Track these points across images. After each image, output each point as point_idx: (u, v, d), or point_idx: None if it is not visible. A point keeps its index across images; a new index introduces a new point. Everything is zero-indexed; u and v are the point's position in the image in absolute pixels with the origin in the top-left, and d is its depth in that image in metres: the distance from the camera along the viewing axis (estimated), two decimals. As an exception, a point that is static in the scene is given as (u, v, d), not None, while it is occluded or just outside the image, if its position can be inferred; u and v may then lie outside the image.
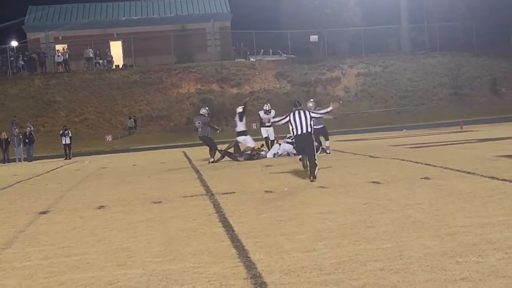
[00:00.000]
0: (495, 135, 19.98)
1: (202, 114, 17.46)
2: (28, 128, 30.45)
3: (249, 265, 4.94)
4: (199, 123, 17.32)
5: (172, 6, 50.55)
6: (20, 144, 29.87)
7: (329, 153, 16.79)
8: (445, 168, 10.98)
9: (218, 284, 4.51)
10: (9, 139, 29.88)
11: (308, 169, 11.03)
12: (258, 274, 4.65)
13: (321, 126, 16.42)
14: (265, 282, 4.43)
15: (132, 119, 39.17)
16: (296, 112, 11.23)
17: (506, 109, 36.99)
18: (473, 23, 46.50)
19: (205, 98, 41.12)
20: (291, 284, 4.37)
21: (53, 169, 20.21)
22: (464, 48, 46.62)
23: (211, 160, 16.95)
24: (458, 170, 10.46)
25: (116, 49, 47.81)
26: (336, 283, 4.31)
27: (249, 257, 5.20)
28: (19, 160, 29.58)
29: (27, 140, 29.70)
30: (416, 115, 39.25)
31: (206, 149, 17.78)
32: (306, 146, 11.12)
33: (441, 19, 47.88)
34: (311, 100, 19.28)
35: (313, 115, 11.59)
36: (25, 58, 45.48)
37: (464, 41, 46.69)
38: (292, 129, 11.28)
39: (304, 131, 11.06)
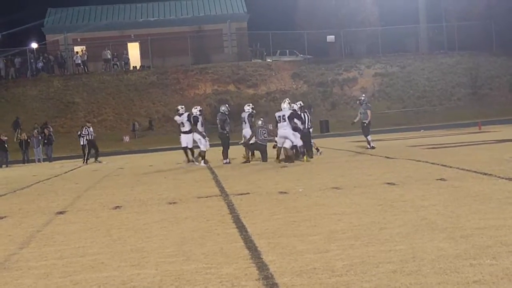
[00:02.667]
0: (514, 135, 19.75)
1: (221, 112, 17.50)
2: (47, 129, 30.86)
3: (261, 266, 4.94)
4: (218, 119, 17.49)
5: (189, 7, 50.76)
6: (39, 145, 30.21)
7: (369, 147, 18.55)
8: (462, 169, 10.89)
9: (230, 285, 4.52)
10: (28, 140, 30.24)
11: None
12: (270, 275, 4.66)
13: (368, 120, 18.67)
14: (276, 284, 4.44)
15: (136, 123, 39.26)
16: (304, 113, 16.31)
17: (526, 110, 36.55)
18: (492, 22, 45.93)
19: (221, 99, 41.19)
20: (303, 285, 4.37)
21: (71, 170, 20.39)
22: (483, 48, 46.05)
23: (225, 161, 16.88)
24: (474, 172, 10.37)
25: (133, 51, 48.14)
26: (347, 285, 4.30)
27: (262, 258, 5.20)
28: (38, 161, 29.90)
29: (46, 141, 30.06)
30: (434, 116, 38.95)
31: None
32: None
33: (459, 18, 47.38)
34: (363, 95, 21.76)
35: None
36: (44, 60, 46.00)
37: (483, 40, 46.14)
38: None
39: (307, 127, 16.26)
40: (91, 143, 24.41)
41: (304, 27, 47.13)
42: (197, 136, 16.99)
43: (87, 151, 24.52)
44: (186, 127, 17.30)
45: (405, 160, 13.74)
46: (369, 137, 18.81)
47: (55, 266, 5.53)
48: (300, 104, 16.86)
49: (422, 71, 45.03)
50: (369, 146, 18.57)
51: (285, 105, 15.88)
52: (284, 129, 15.57)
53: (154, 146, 34.84)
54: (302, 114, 16.30)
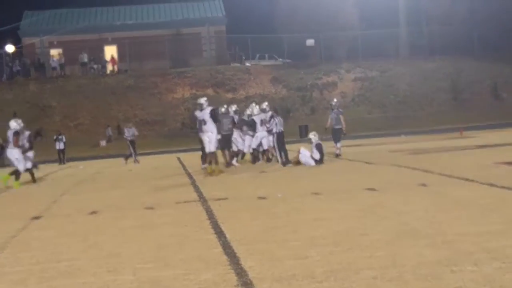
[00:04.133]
0: (495, 141, 19.87)
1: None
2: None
3: (240, 272, 4.87)
4: (197, 123, 17.24)
5: (167, 10, 50.57)
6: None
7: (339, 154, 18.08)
8: (443, 175, 10.90)
9: (208, 291, 4.44)
10: (3, 145, 29.76)
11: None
12: (249, 282, 4.59)
13: (339, 127, 18.15)
14: (256, 290, 4.37)
15: (110, 128, 38.90)
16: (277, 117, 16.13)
17: (507, 114, 36.39)
18: (474, 26, 45.90)
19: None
20: (283, 292, 4.30)
21: (47, 174, 20.09)
22: (464, 52, 45.83)
23: (203, 166, 16.64)
24: (456, 177, 10.37)
25: (111, 54, 47.74)
26: (328, 292, 4.24)
27: (241, 264, 5.13)
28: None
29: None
30: (415, 121, 39.06)
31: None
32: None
33: (440, 22, 47.10)
34: (335, 100, 20.61)
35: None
36: (20, 64, 45.43)
37: (465, 45, 46.02)
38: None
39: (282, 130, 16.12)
40: (133, 143, 23.97)
41: (283, 31, 47.19)
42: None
43: (132, 150, 23.78)
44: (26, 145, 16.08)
45: (386, 165, 13.74)
46: (339, 144, 18.12)
47: (31, 272, 5.43)
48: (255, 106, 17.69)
49: (403, 75, 45.16)
50: (337, 153, 17.98)
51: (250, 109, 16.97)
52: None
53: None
54: (272, 118, 16.34)
